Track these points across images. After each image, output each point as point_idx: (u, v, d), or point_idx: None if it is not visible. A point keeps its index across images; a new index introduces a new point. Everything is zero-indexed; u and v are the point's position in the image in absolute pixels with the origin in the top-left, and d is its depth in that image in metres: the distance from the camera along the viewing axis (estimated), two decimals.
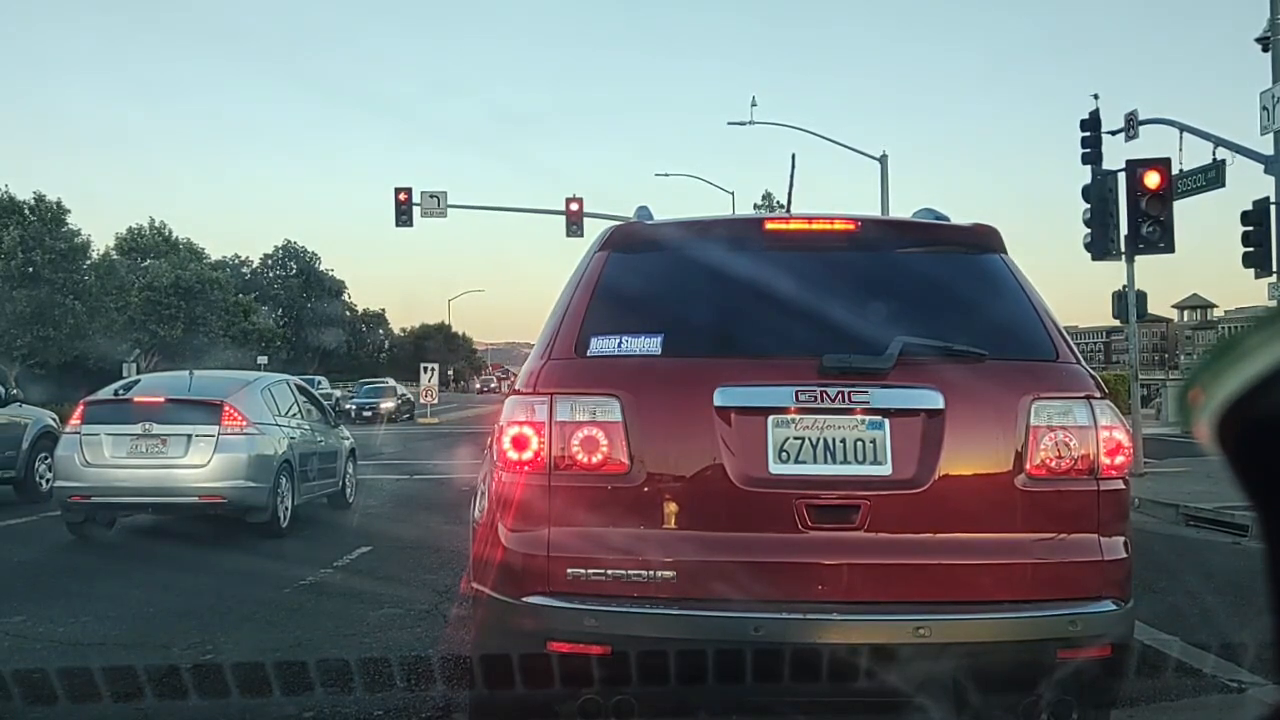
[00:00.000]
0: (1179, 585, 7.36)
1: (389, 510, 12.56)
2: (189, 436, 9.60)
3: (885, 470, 3.28)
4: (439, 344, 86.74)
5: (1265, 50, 14.88)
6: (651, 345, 3.40)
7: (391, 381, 45.75)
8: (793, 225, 3.87)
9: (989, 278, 3.70)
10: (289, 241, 77.15)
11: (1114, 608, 3.26)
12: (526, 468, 3.30)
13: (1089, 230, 15.74)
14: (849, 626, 3.15)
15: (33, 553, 9.43)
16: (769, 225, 3.95)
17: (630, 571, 3.18)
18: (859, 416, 3.29)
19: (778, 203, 39.93)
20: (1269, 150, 14.69)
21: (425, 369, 41.81)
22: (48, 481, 11.85)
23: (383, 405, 38.97)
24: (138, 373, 34.14)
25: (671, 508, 3.24)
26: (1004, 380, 3.37)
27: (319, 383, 37.46)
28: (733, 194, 35.38)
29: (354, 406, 37.39)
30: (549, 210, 27.51)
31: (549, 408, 3.31)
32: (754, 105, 27.39)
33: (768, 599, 3.17)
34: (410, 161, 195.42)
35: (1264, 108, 14.34)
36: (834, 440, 3.29)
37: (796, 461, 3.28)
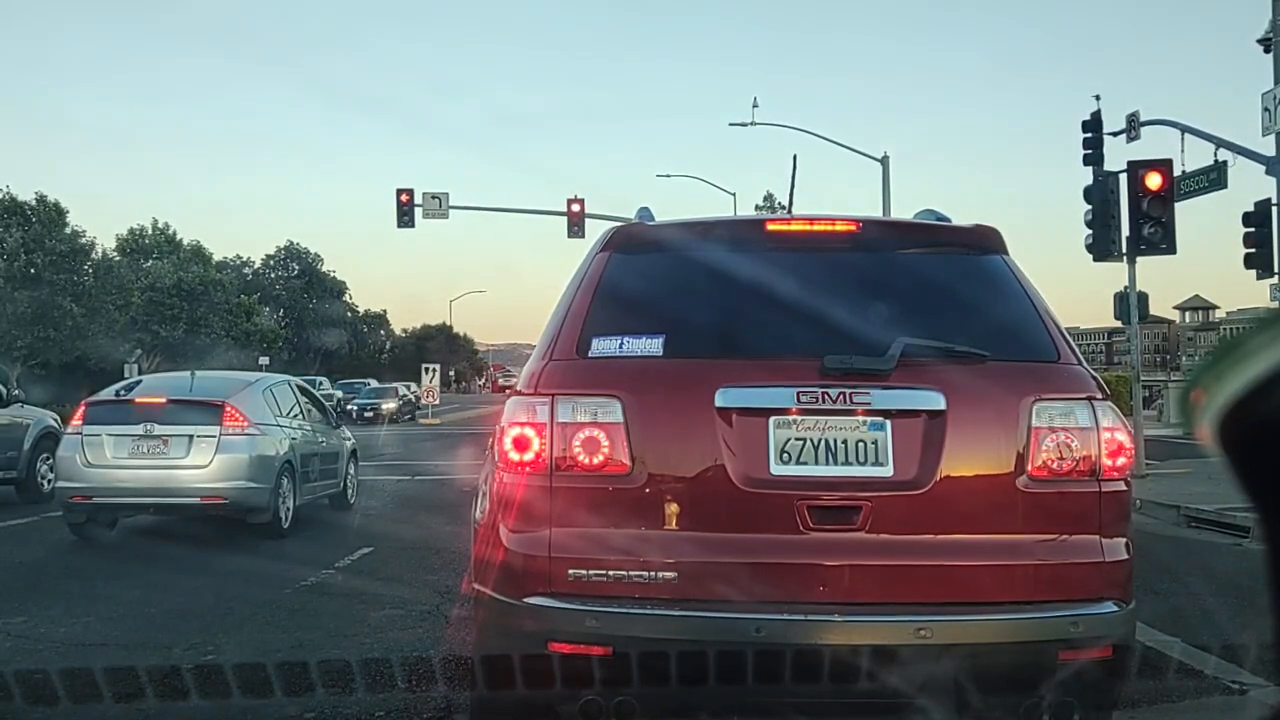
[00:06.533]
0: (1180, 587, 7.36)
1: (390, 511, 12.56)
2: (190, 437, 9.61)
3: (887, 471, 3.27)
4: (440, 345, 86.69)
5: (1267, 51, 14.88)
6: (653, 346, 3.40)
7: (374, 382, 46.15)
8: (794, 226, 3.87)
9: (990, 279, 3.70)
10: (291, 242, 77.10)
11: (1115, 609, 3.26)
12: (528, 469, 3.30)
13: (1090, 231, 15.75)
14: (850, 628, 3.15)
15: (34, 553, 9.43)
16: (770, 226, 3.95)
17: (631, 572, 3.18)
18: (860, 418, 3.29)
19: (779, 204, 39.93)
20: (1270, 151, 14.68)
21: (427, 369, 41.87)
22: (49, 482, 11.85)
23: (384, 406, 39.08)
24: (139, 373, 34.13)
25: (673, 509, 3.24)
26: (1005, 381, 3.37)
27: (320, 383, 37.52)
28: (734, 195, 35.45)
29: (356, 407, 37.46)
30: (550, 211, 27.51)
31: (550, 409, 3.31)
32: (755, 106, 27.43)
33: (769, 600, 3.17)
34: (412, 163, 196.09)
35: (1265, 109, 14.34)
36: (835, 441, 3.29)
37: (798, 462, 3.28)
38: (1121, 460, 3.38)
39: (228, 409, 9.79)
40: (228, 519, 9.92)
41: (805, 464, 3.28)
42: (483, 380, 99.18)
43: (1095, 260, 15.90)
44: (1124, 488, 3.40)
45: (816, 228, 3.77)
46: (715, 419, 3.28)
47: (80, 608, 6.77)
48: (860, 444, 3.29)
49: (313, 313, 72.71)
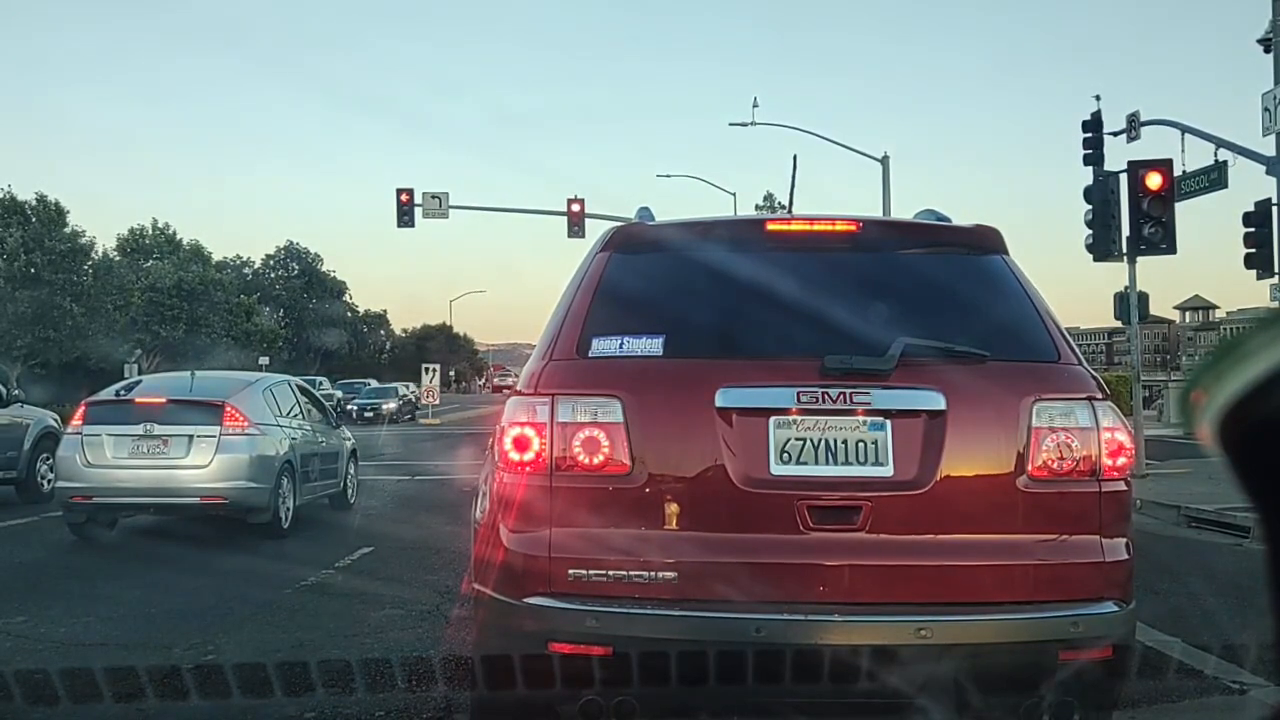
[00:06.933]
0: (1181, 587, 7.36)
1: (390, 511, 12.56)
2: (190, 437, 9.61)
3: (887, 471, 3.27)
4: (440, 345, 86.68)
5: (1267, 51, 14.88)
6: (653, 346, 3.40)
7: (374, 382, 46.53)
8: (794, 226, 3.87)
9: (990, 279, 3.70)
10: (291, 242, 77.09)
11: (1115, 609, 3.26)
12: (528, 468, 3.30)
13: (1091, 231, 15.75)
14: (850, 628, 3.15)
15: (34, 553, 9.44)
16: (770, 226, 3.95)
17: (632, 572, 3.18)
18: (860, 417, 3.29)
19: (779, 204, 39.94)
20: (1271, 151, 14.68)
21: (427, 370, 41.86)
22: (49, 482, 11.85)
23: (384, 406, 39.12)
24: (139, 373, 34.13)
25: (673, 509, 3.24)
26: (1006, 381, 3.37)
27: (320, 383, 37.53)
28: (734, 195, 35.47)
29: (356, 407, 37.49)
30: (550, 211, 27.52)
31: (550, 409, 3.31)
32: (756, 106, 27.43)
33: (769, 600, 3.17)
34: (412, 162, 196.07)
35: (1266, 109, 14.34)
36: (835, 441, 3.29)
37: (798, 462, 3.28)
38: (1122, 460, 3.38)
39: (228, 409, 9.79)
40: (228, 519, 9.92)
41: (805, 464, 3.28)
42: (483, 380, 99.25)
43: (1095, 260, 15.90)
44: (1124, 488, 3.40)
45: (816, 228, 3.77)
46: (715, 419, 3.28)
47: (80, 608, 6.77)
48: (860, 444, 3.29)
49: (313, 313, 72.69)
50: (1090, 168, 16.14)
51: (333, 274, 77.84)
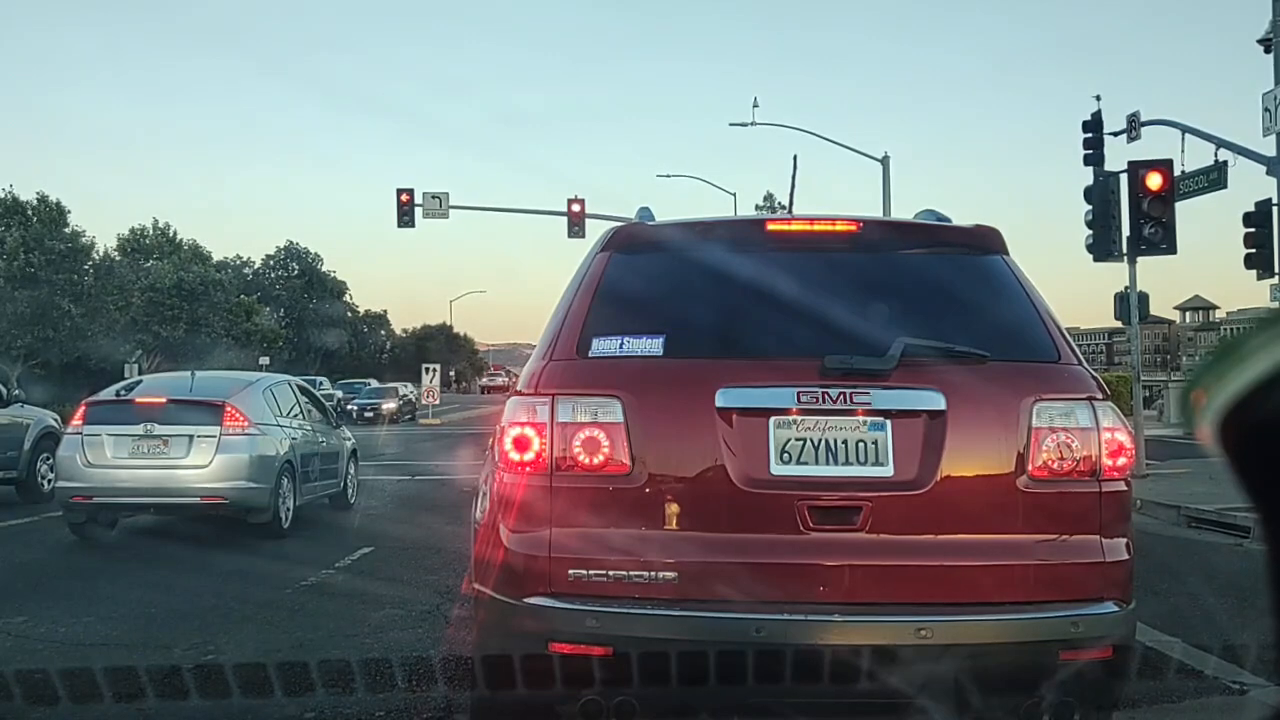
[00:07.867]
0: (1181, 587, 7.36)
1: (390, 511, 12.56)
2: (191, 437, 9.61)
3: (887, 471, 3.27)
4: (440, 345, 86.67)
5: (1267, 52, 14.88)
6: (653, 346, 3.40)
7: (374, 382, 46.93)
8: (794, 226, 3.88)
9: (991, 279, 3.70)
10: (291, 242, 76.92)
11: (1115, 609, 3.26)
12: (528, 469, 3.30)
13: (1091, 231, 15.76)
14: (850, 628, 3.15)
15: (34, 553, 9.44)
16: (771, 226, 3.95)
17: (632, 572, 3.18)
18: (861, 418, 3.29)
19: (779, 204, 39.97)
20: (1271, 152, 14.68)
21: (427, 370, 41.85)
22: (49, 482, 11.85)
23: (384, 406, 39.13)
24: (139, 373, 34.14)
25: (673, 509, 3.24)
26: (1006, 381, 3.37)
27: (320, 383, 37.52)
28: (734, 195, 35.48)
29: (356, 407, 37.49)
30: (551, 211, 27.51)
31: (550, 409, 3.31)
32: (756, 106, 27.44)
33: (769, 600, 3.17)
34: (412, 162, 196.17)
35: (1266, 109, 14.34)
36: (835, 441, 3.29)
37: (798, 463, 3.28)
38: (1122, 460, 3.38)
39: (228, 409, 9.79)
40: (228, 519, 9.92)
41: (805, 464, 3.28)
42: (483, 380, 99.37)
43: (1095, 260, 15.91)
44: (1124, 488, 3.40)
45: (817, 228, 3.77)
46: (715, 419, 3.28)
47: (80, 608, 6.77)
48: (860, 444, 3.29)
49: (313, 313, 72.57)
50: (1090, 168, 16.16)
51: (333, 274, 77.74)
